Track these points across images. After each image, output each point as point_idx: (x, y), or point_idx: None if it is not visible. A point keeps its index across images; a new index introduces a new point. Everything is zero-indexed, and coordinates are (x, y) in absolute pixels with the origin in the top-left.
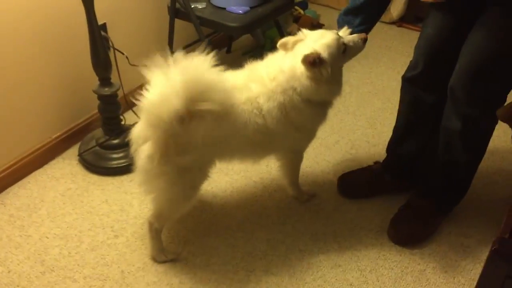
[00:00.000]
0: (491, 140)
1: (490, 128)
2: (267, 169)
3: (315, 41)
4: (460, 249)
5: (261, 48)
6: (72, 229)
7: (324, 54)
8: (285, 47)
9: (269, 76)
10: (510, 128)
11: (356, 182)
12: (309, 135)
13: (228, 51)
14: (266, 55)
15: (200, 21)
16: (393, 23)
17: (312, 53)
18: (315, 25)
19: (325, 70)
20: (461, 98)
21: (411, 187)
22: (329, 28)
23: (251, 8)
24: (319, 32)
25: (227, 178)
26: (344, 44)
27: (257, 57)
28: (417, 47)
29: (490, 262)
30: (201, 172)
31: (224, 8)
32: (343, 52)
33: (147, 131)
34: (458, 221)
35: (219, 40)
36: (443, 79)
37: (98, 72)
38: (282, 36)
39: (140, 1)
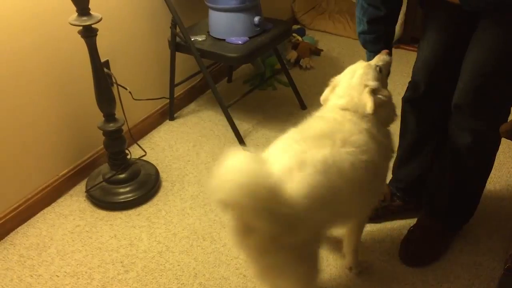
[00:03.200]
0: (496, 155)
1: (497, 141)
2: None
3: (356, 77)
4: (472, 267)
5: (262, 75)
6: (82, 266)
7: (372, 83)
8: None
9: (338, 116)
10: None
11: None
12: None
13: (229, 81)
14: (267, 82)
15: (200, 53)
16: None
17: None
18: (313, 51)
19: (382, 95)
20: (467, 113)
21: (419, 208)
22: (327, 53)
23: (250, 38)
24: (350, 69)
25: None
26: (377, 66)
27: (257, 85)
28: (415, 70)
29: (504, 280)
30: (317, 243)
31: (224, 40)
32: (380, 72)
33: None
34: (469, 239)
35: (220, 70)
36: (445, 96)
37: (102, 109)
38: (282, 63)
39: (142, 37)
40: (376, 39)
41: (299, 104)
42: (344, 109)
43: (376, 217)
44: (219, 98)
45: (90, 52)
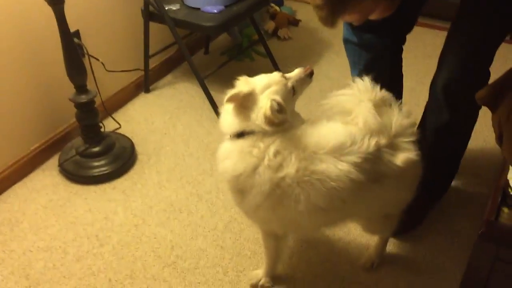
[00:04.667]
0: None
1: (476, 116)
2: None
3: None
4: (448, 235)
5: (239, 46)
6: (56, 240)
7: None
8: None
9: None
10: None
11: None
12: None
13: (206, 52)
14: (244, 53)
15: (175, 23)
16: None
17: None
18: (291, 21)
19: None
20: (448, 98)
21: None
22: (306, 23)
23: (225, 7)
24: (263, 81)
25: (212, 179)
26: (291, 86)
27: (235, 55)
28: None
29: (478, 245)
30: None
31: (199, 9)
32: (293, 94)
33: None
34: (446, 211)
35: (197, 41)
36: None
37: (73, 80)
38: (259, 33)
39: (113, 7)
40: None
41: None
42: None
43: None
44: (195, 69)
45: (58, 21)
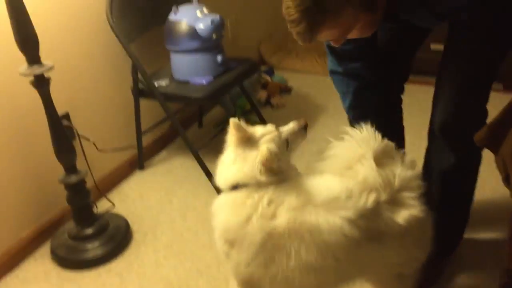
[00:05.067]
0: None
1: (479, 157)
2: None
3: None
4: None
5: (233, 117)
6: None
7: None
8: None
9: None
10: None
11: None
12: None
13: (200, 125)
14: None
15: (165, 98)
16: None
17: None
18: (283, 89)
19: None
20: (452, 136)
21: None
22: (298, 90)
23: (214, 77)
24: (258, 129)
25: (211, 252)
26: (285, 138)
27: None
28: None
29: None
30: None
31: (188, 81)
32: (287, 146)
33: None
34: (461, 263)
35: (190, 115)
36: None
37: (62, 160)
38: (251, 101)
39: (103, 86)
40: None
41: None
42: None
43: None
44: (188, 141)
45: (44, 103)
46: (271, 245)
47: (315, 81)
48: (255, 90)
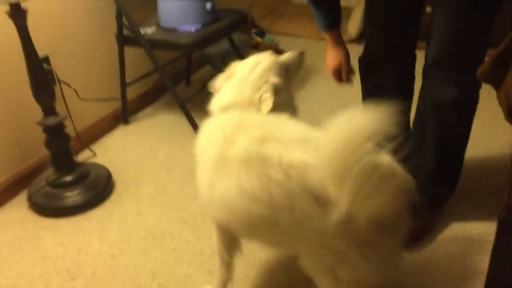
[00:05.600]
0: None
1: (477, 96)
2: None
3: (257, 71)
4: (461, 242)
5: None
6: (22, 277)
7: (275, 79)
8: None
9: None
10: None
11: None
12: None
13: (188, 84)
14: None
15: (151, 45)
16: (352, 41)
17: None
18: (274, 51)
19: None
20: (449, 67)
21: None
22: None
23: (203, 25)
24: (253, 60)
25: (197, 203)
26: (284, 64)
27: None
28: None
29: (501, 233)
30: None
31: (175, 29)
32: (287, 72)
33: None
34: (454, 214)
35: (178, 73)
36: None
37: (40, 101)
38: (241, 57)
39: (86, 31)
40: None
41: None
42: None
43: None
44: (175, 92)
45: (21, 36)
46: (222, 165)
47: (306, 44)
48: (246, 52)
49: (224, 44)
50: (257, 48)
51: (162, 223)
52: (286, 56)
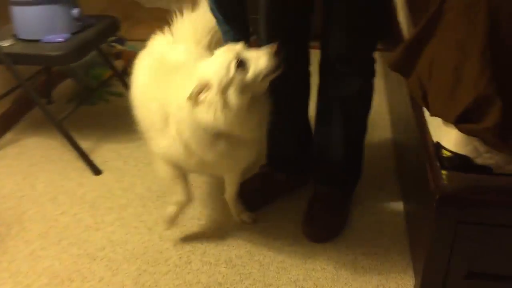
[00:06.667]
0: None
1: (373, 86)
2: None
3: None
4: (377, 226)
5: (88, 90)
6: None
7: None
8: None
9: None
10: None
11: (251, 192)
12: None
13: (49, 102)
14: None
15: (12, 59)
16: None
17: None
18: None
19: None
20: (353, 60)
21: (301, 181)
22: None
23: (72, 34)
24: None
25: (101, 233)
26: (240, 61)
27: (85, 100)
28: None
29: (439, 212)
30: None
31: (38, 40)
32: (241, 70)
33: None
34: (362, 202)
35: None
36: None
37: None
38: (111, 67)
39: None
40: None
41: None
42: None
43: (265, 200)
44: (47, 111)
45: None
46: None
47: None
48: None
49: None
50: (120, 57)
51: (66, 263)
52: (260, 67)
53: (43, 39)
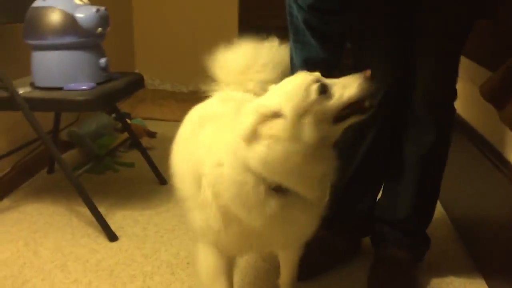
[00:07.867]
0: None
1: (452, 137)
2: None
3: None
4: None
5: (98, 159)
6: None
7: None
8: None
9: None
10: None
11: (312, 259)
12: None
13: (51, 171)
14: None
15: (31, 106)
16: None
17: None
18: (148, 133)
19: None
20: (427, 117)
21: (358, 247)
22: (163, 135)
23: (97, 84)
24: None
25: None
26: (322, 85)
27: (94, 168)
28: None
29: None
30: None
31: (61, 88)
32: (323, 96)
33: None
34: (431, 268)
35: (36, 161)
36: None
37: None
38: (130, 131)
39: None
40: None
41: (158, 180)
42: None
43: (325, 268)
44: (66, 165)
45: None
46: None
47: (178, 128)
48: (113, 135)
49: (91, 124)
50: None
51: None
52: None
53: (66, 87)
